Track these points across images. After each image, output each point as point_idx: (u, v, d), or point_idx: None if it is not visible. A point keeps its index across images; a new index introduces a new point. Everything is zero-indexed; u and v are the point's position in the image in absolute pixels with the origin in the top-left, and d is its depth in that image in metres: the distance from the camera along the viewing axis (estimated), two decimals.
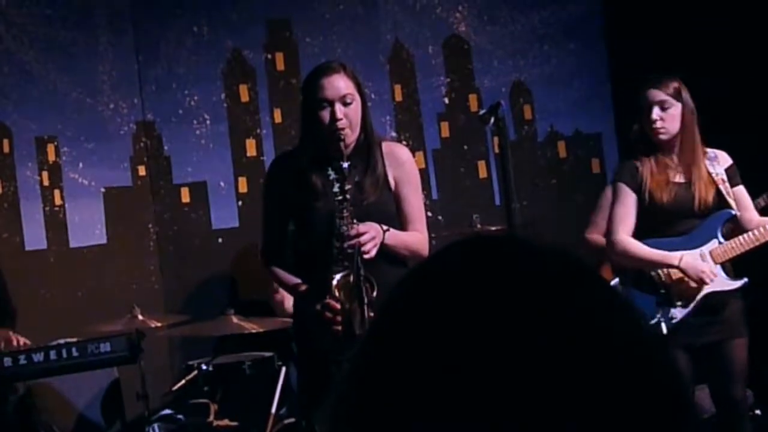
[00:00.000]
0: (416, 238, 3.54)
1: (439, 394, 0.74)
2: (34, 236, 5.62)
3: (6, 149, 5.61)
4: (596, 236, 5.37)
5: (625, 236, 3.92)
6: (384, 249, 3.40)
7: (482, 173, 6.13)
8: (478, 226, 5.30)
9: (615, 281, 5.02)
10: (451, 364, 0.74)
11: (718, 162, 4.00)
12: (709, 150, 4.02)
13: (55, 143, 5.72)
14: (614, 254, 4.01)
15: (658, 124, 3.91)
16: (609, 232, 3.95)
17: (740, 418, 3.97)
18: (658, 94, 3.94)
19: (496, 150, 5.79)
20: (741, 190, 4.01)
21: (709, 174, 3.95)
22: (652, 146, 3.97)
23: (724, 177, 3.97)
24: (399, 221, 3.55)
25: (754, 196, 4.31)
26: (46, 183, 5.68)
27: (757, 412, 4.69)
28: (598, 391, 0.74)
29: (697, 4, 5.56)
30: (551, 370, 0.73)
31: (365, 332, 0.83)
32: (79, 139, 5.76)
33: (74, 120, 5.75)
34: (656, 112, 3.91)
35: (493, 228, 5.20)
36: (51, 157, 5.69)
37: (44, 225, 5.65)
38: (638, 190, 3.92)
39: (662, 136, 3.93)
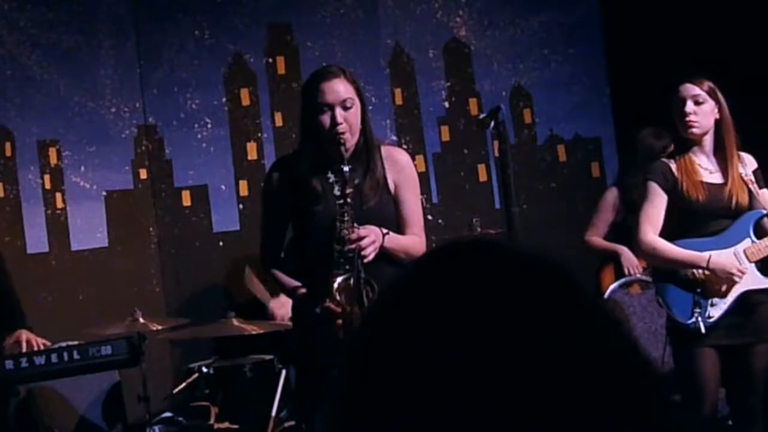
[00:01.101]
0: (414, 241, 3.55)
1: (422, 391, 0.78)
2: (36, 239, 5.64)
3: (8, 153, 5.63)
4: (596, 239, 5.39)
5: (654, 236, 3.89)
6: (383, 252, 3.41)
7: (482, 177, 6.14)
8: (478, 229, 5.31)
9: (614, 286, 5.05)
10: (434, 364, 0.78)
11: (746, 164, 3.99)
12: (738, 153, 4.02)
13: (57, 147, 5.73)
14: (643, 254, 4.01)
15: (692, 118, 3.87)
16: (637, 232, 3.93)
17: (755, 427, 3.96)
18: (693, 89, 3.91)
19: (496, 154, 5.80)
20: (766, 192, 4.01)
21: (740, 175, 3.95)
22: (685, 146, 3.94)
23: (752, 178, 3.97)
24: (397, 224, 3.56)
25: None
26: (48, 186, 5.69)
27: None
28: (566, 385, 0.77)
29: (696, 8, 5.56)
30: (523, 367, 0.77)
31: (354, 336, 0.86)
32: (81, 142, 5.78)
33: (76, 123, 5.77)
34: (690, 106, 3.88)
35: (493, 231, 5.21)
36: (53, 161, 5.71)
37: (46, 228, 5.67)
38: (671, 190, 3.90)
39: (695, 130, 3.89)
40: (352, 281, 3.34)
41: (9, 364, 4.32)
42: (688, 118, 3.88)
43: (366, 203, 3.47)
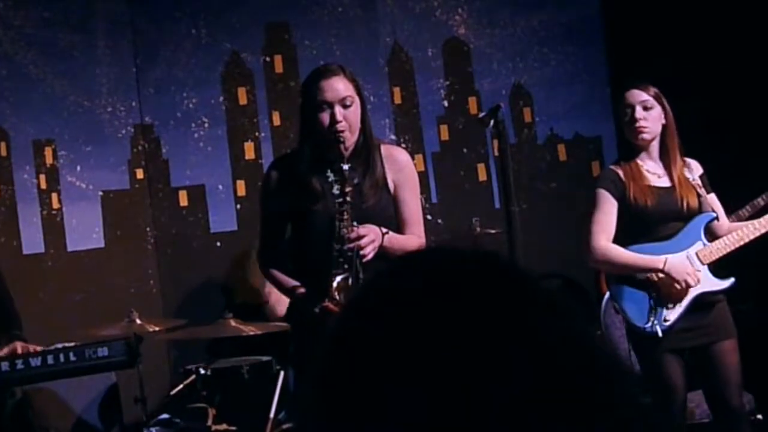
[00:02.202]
0: (414, 241, 3.53)
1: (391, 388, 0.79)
2: (32, 240, 5.61)
3: (3, 152, 5.60)
4: None
5: (607, 242, 3.90)
6: (382, 251, 3.39)
7: (482, 176, 6.12)
8: (478, 229, 5.30)
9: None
10: (402, 367, 0.79)
11: (691, 169, 4.02)
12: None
13: (53, 146, 5.71)
14: (595, 262, 3.99)
15: (642, 123, 3.91)
16: (589, 240, 3.92)
17: (738, 423, 3.95)
18: (640, 95, 3.95)
19: (496, 153, 5.78)
20: (714, 197, 4.04)
21: (687, 179, 3.95)
22: (632, 152, 3.96)
23: (699, 183, 3.99)
24: (397, 224, 3.55)
25: (756, 193, 4.31)
26: (43, 186, 5.67)
27: (759, 416, 4.67)
28: (529, 384, 0.78)
29: (695, 7, 5.55)
30: (483, 369, 0.78)
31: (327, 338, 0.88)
32: (76, 142, 5.75)
33: (72, 123, 5.74)
34: (639, 112, 3.91)
35: (493, 231, 5.20)
36: (49, 161, 5.68)
37: (42, 229, 5.64)
38: (621, 197, 3.91)
39: (645, 136, 3.92)
40: (351, 281, 3.33)
41: (5, 365, 4.30)
42: (638, 124, 3.91)
43: (365, 202, 3.46)
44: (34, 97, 5.66)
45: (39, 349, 4.45)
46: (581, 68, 6.16)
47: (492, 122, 3.60)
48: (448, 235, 5.65)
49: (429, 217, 5.80)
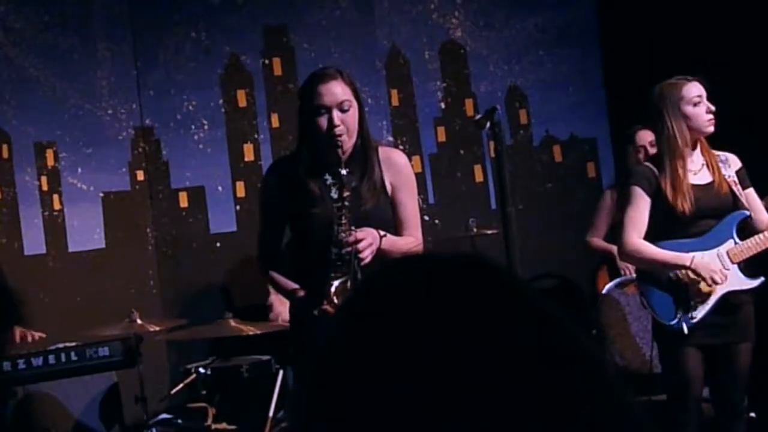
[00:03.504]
0: (411, 243, 3.55)
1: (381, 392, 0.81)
2: (34, 241, 5.64)
3: (5, 155, 5.62)
4: (596, 240, 5.41)
5: (638, 239, 3.92)
6: (380, 254, 3.41)
7: (478, 177, 6.15)
8: (474, 230, 5.32)
9: (610, 286, 5.06)
10: (392, 369, 0.81)
11: (729, 165, 4.00)
12: (719, 153, 4.03)
13: (54, 148, 5.73)
14: (626, 256, 4.03)
15: (712, 116, 3.90)
16: (621, 235, 3.95)
17: (738, 421, 4.00)
18: (702, 88, 3.94)
19: (492, 154, 5.80)
20: (751, 192, 4.02)
21: (723, 176, 3.97)
22: (683, 144, 3.91)
23: (736, 179, 3.98)
24: (395, 226, 3.56)
25: (760, 195, 4.34)
26: (45, 188, 5.69)
27: (752, 414, 4.70)
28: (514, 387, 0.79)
29: (691, 9, 5.57)
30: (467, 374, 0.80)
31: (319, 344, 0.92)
32: (77, 144, 5.78)
33: (73, 125, 5.77)
34: (709, 104, 3.90)
35: (489, 232, 5.23)
36: (50, 162, 5.71)
37: (43, 230, 5.67)
38: (654, 194, 3.91)
39: (713, 128, 3.91)
40: (349, 284, 3.35)
41: (6, 365, 4.32)
42: (711, 116, 3.89)
43: (364, 205, 3.47)
44: (35, 99, 5.69)
45: (39, 333, 4.48)
46: (576, 70, 6.19)
47: (488, 124, 3.61)
48: (445, 236, 5.68)
49: (426, 218, 5.83)
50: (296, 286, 3.57)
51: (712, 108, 3.91)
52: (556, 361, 0.82)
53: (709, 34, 5.45)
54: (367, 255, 3.35)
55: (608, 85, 6.13)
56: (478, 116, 3.76)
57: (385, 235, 3.42)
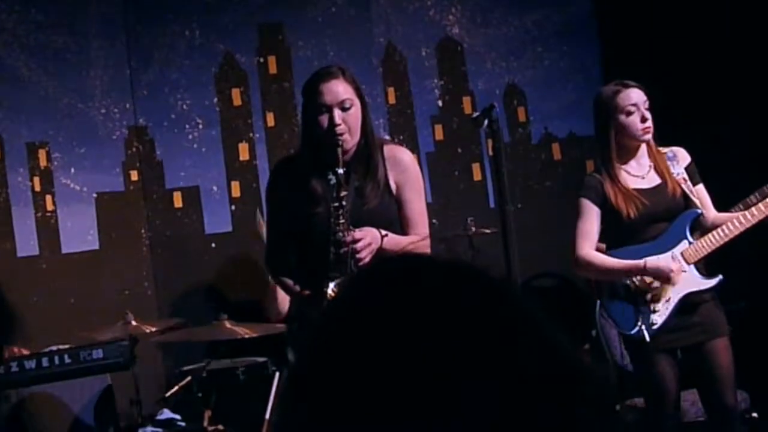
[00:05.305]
0: (417, 241, 3.51)
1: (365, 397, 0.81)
2: (26, 242, 5.59)
3: None
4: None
5: (590, 250, 3.91)
6: (382, 254, 3.37)
7: (476, 176, 6.12)
8: (473, 229, 5.29)
9: None
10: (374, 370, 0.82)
11: (677, 161, 3.97)
12: (666, 149, 3.99)
13: (47, 149, 5.69)
14: (580, 268, 4.00)
15: (649, 123, 3.88)
16: (573, 248, 3.93)
17: (731, 422, 3.95)
18: (641, 94, 3.92)
19: (490, 152, 5.75)
20: (701, 188, 3.99)
21: (672, 175, 3.92)
22: (620, 152, 3.91)
23: (685, 176, 3.95)
24: (401, 225, 3.53)
25: (749, 191, 4.31)
26: (37, 189, 5.65)
27: (754, 414, 4.67)
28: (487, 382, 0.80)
29: (688, 6, 5.55)
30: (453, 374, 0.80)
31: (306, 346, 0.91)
32: (70, 144, 5.73)
33: (66, 125, 5.72)
34: (646, 112, 3.87)
35: (488, 231, 5.19)
36: (42, 163, 5.66)
37: (36, 231, 5.62)
38: (602, 204, 3.90)
39: (650, 136, 3.90)
40: None
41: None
42: (648, 124, 3.87)
43: (367, 204, 3.45)
44: (27, 99, 5.64)
45: (25, 352, 4.45)
46: (575, 67, 6.16)
47: (486, 122, 3.59)
48: (443, 234, 5.63)
49: None
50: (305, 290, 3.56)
51: (648, 116, 3.86)
52: (543, 369, 0.82)
53: (708, 30, 5.43)
54: (365, 255, 3.32)
55: (607, 82, 6.08)
56: (476, 114, 3.74)
57: (386, 235, 3.39)
